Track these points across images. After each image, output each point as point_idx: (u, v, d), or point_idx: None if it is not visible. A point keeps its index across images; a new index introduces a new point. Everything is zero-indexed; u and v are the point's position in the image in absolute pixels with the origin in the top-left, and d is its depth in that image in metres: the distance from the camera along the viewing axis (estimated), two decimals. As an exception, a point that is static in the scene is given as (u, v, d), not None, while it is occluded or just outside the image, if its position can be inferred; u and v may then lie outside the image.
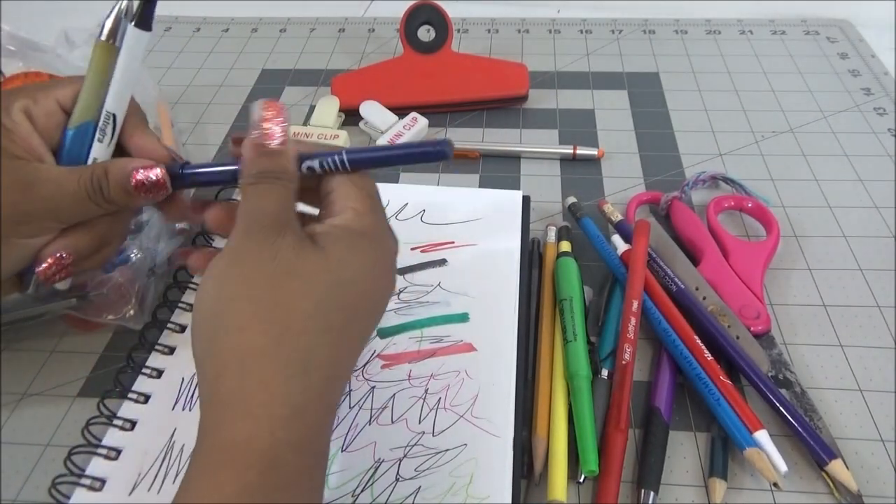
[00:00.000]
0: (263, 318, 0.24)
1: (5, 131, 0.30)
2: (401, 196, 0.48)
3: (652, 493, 0.32)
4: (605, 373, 0.36)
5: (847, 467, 0.33)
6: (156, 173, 0.31)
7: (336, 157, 0.30)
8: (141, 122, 0.33)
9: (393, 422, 0.35)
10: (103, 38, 0.32)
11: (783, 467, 0.32)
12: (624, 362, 0.36)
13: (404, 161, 0.30)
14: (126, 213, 0.33)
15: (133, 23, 0.32)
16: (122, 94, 0.32)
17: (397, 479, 0.33)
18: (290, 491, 0.23)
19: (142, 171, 0.31)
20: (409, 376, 0.37)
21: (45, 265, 0.31)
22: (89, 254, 0.32)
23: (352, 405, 0.36)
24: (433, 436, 0.34)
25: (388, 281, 0.29)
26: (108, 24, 0.32)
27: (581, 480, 0.33)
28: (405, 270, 0.43)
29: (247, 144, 0.28)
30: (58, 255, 0.31)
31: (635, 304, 0.38)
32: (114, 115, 0.32)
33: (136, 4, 0.33)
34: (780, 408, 0.34)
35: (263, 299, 0.25)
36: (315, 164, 0.30)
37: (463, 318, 0.39)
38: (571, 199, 0.47)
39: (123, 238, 0.35)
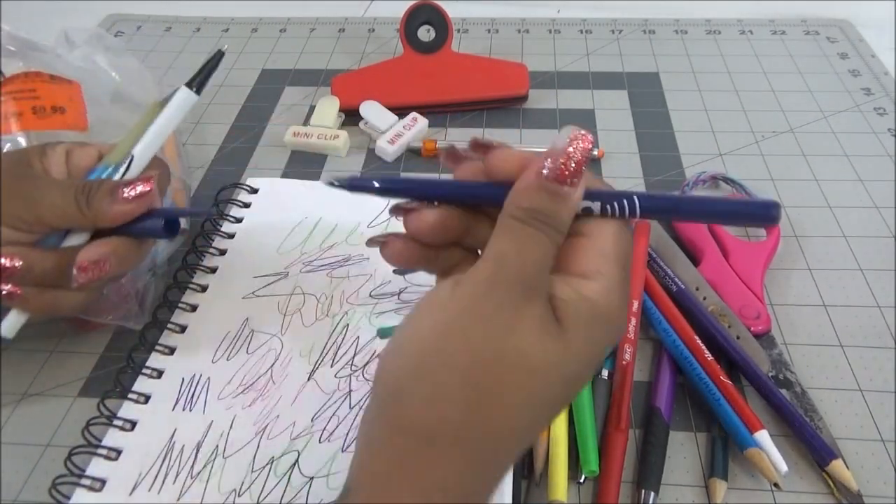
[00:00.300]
0: (462, 397, 0.21)
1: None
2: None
3: (652, 494, 0.32)
4: (605, 373, 0.36)
5: (847, 467, 0.33)
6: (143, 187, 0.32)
7: (625, 201, 0.23)
8: (163, 182, 0.34)
9: None
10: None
11: (783, 467, 0.32)
12: (624, 362, 0.36)
13: (717, 219, 0.24)
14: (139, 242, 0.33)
15: (187, 83, 0.34)
16: (152, 143, 0.34)
17: None
18: None
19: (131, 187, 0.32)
20: None
21: (84, 272, 0.31)
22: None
23: (352, 405, 0.36)
24: None
25: (592, 372, 0.25)
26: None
27: (581, 481, 0.33)
28: (405, 271, 0.42)
29: (532, 171, 0.23)
30: (5, 258, 0.31)
31: (635, 305, 0.38)
32: (132, 156, 0.33)
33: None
34: (781, 408, 0.34)
35: (474, 378, 0.21)
36: (595, 206, 0.23)
37: None
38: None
39: (133, 262, 0.34)
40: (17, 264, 0.31)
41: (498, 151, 0.25)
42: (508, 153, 0.25)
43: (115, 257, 0.32)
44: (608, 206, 0.23)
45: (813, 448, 0.33)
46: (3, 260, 0.30)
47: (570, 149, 0.23)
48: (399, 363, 0.22)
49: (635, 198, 0.23)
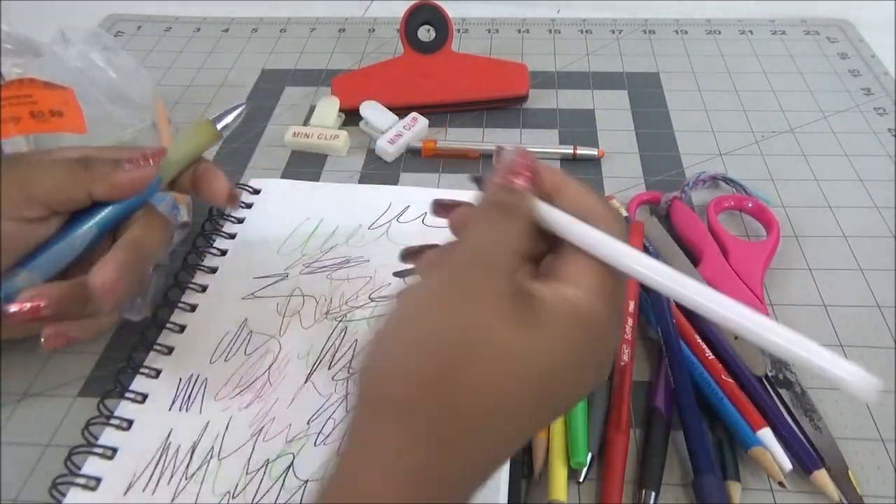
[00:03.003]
0: (423, 374, 0.22)
1: None
2: (402, 198, 0.48)
3: (653, 493, 0.32)
4: (604, 373, 0.36)
5: (849, 469, 0.33)
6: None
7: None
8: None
9: None
10: (212, 119, 0.36)
11: (788, 465, 0.32)
12: (623, 363, 0.36)
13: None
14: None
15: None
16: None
17: None
18: None
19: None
20: None
21: (16, 308, 0.30)
22: (69, 308, 0.31)
23: (349, 408, 0.36)
24: None
25: (591, 380, 0.25)
26: (229, 118, 0.36)
27: (581, 480, 0.33)
28: (405, 274, 0.42)
29: (489, 183, 0.26)
30: (33, 302, 0.30)
31: (631, 305, 0.38)
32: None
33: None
34: (768, 413, 0.34)
35: (435, 354, 0.22)
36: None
37: None
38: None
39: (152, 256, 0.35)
40: (42, 304, 0.31)
41: (458, 210, 0.28)
42: (467, 210, 0.28)
43: (128, 267, 0.32)
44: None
45: (798, 456, 0.33)
46: (27, 305, 0.30)
47: (517, 157, 0.26)
48: (371, 346, 0.23)
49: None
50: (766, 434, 0.33)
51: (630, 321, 0.37)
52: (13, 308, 0.30)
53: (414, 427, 0.21)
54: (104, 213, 0.34)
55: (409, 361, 0.22)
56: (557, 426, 0.34)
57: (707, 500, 0.31)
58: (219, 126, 0.36)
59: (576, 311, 0.23)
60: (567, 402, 0.25)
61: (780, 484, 0.32)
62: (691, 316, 0.38)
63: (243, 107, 0.36)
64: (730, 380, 0.35)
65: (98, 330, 0.34)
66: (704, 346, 0.37)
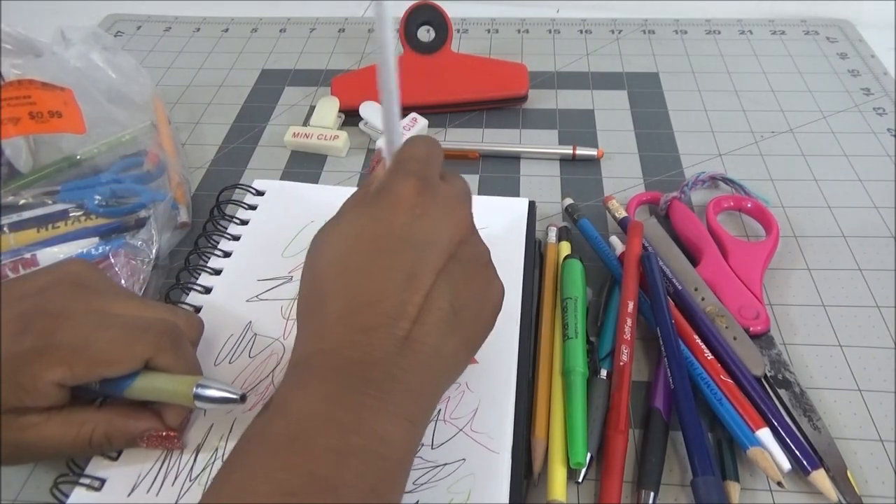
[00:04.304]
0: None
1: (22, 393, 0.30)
2: None
3: (652, 494, 0.32)
4: (603, 373, 0.36)
5: (847, 469, 0.33)
6: (162, 433, 0.33)
7: None
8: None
9: None
10: (198, 389, 0.33)
11: (786, 465, 0.32)
12: (622, 363, 0.36)
13: None
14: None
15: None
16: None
17: None
18: None
19: (148, 434, 0.33)
20: None
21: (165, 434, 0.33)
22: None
23: None
24: (432, 448, 0.34)
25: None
26: (216, 394, 0.33)
27: (580, 480, 0.33)
28: None
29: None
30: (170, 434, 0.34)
31: (630, 305, 0.38)
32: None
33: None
34: (766, 413, 0.34)
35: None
36: None
37: None
38: (569, 201, 0.47)
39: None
40: (175, 437, 0.34)
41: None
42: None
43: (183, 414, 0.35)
44: None
45: (796, 456, 0.33)
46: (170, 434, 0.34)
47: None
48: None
49: None
50: (764, 434, 0.33)
51: (629, 321, 0.37)
52: (158, 434, 0.33)
53: (330, 315, 0.27)
54: None
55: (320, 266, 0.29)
56: (557, 428, 0.34)
57: (705, 501, 0.31)
58: (198, 402, 0.32)
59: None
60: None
61: (779, 484, 0.32)
62: (690, 316, 0.38)
63: (241, 399, 0.32)
64: (728, 380, 0.35)
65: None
66: (703, 347, 0.37)
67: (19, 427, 0.31)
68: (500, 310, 0.31)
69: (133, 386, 0.32)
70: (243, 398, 0.32)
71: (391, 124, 0.31)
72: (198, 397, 0.31)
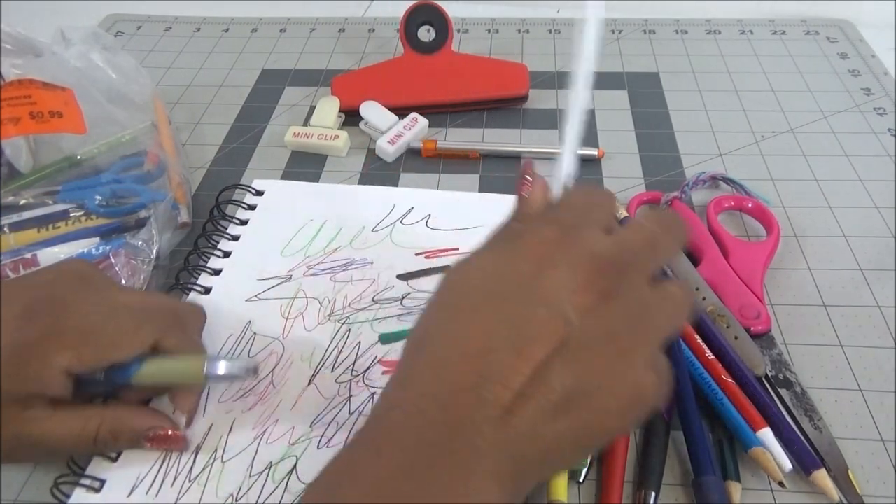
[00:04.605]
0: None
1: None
2: (406, 200, 0.48)
3: (653, 494, 0.32)
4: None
5: (849, 469, 0.33)
6: (167, 432, 0.33)
7: None
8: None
9: None
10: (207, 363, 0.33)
11: (787, 465, 0.32)
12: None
13: None
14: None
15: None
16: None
17: None
18: None
19: (154, 433, 0.33)
20: None
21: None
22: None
23: (352, 411, 0.36)
24: None
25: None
26: (224, 371, 0.32)
27: (581, 480, 0.33)
28: (409, 276, 0.42)
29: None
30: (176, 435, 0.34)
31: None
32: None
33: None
34: (767, 413, 0.34)
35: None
36: None
37: None
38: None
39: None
40: (181, 438, 0.34)
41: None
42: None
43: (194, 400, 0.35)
44: None
45: (797, 456, 0.33)
46: (175, 433, 0.34)
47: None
48: None
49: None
50: (766, 434, 0.33)
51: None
52: (163, 433, 0.33)
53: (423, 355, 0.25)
54: None
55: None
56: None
57: (707, 501, 0.31)
58: (210, 380, 0.32)
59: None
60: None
61: (780, 484, 0.32)
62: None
63: (252, 372, 0.32)
64: (730, 380, 0.35)
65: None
66: (705, 347, 0.37)
67: (24, 420, 0.30)
68: (640, 408, 0.25)
69: (142, 371, 0.32)
70: (255, 371, 0.32)
71: (570, 143, 0.28)
72: (209, 373, 0.31)
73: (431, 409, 0.22)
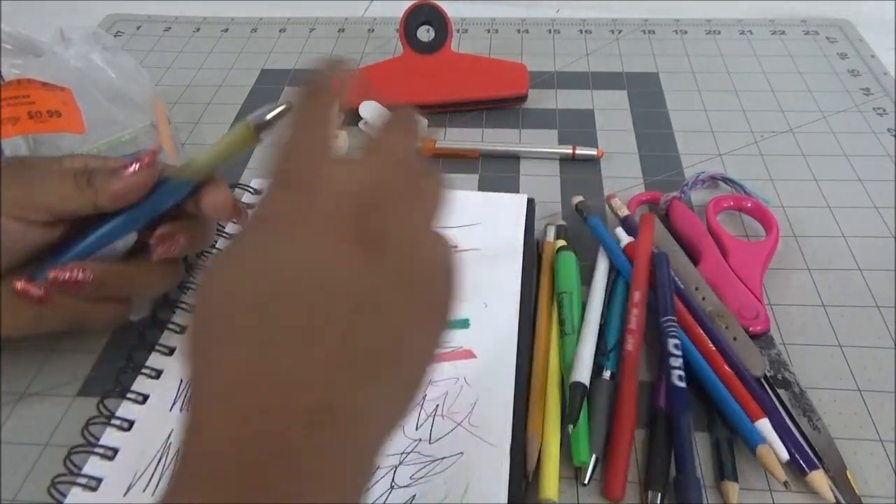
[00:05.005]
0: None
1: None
2: None
3: (659, 495, 0.32)
4: (607, 374, 0.36)
5: (847, 469, 0.33)
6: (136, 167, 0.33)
7: None
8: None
9: None
10: (252, 121, 0.33)
11: (785, 455, 0.32)
12: (628, 350, 0.36)
13: None
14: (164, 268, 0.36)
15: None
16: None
17: (392, 487, 0.32)
18: None
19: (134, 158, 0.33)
20: None
21: (61, 274, 0.32)
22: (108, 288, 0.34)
23: None
24: (430, 443, 0.34)
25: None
26: (270, 115, 0.33)
27: (586, 482, 0.33)
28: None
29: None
30: (78, 271, 0.32)
31: (637, 295, 0.38)
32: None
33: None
34: (765, 412, 0.34)
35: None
36: None
37: (464, 324, 0.39)
38: (579, 198, 0.46)
39: (201, 242, 0.37)
40: (85, 275, 0.32)
41: None
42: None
43: (185, 235, 0.35)
44: None
45: (794, 457, 0.33)
46: (72, 274, 0.32)
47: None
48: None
49: None
50: (764, 424, 0.33)
51: (636, 311, 0.37)
52: (56, 273, 0.32)
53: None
54: (131, 214, 0.34)
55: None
56: (551, 425, 0.34)
57: (685, 500, 0.31)
58: (262, 133, 0.33)
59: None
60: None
61: (785, 484, 0.32)
62: (691, 310, 0.38)
63: (284, 107, 0.32)
64: (730, 370, 0.35)
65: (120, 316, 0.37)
66: (706, 337, 0.37)
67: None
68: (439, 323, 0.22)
69: (196, 162, 0.34)
70: (291, 105, 0.33)
71: None
72: (258, 123, 0.32)
73: (232, 452, 0.18)
